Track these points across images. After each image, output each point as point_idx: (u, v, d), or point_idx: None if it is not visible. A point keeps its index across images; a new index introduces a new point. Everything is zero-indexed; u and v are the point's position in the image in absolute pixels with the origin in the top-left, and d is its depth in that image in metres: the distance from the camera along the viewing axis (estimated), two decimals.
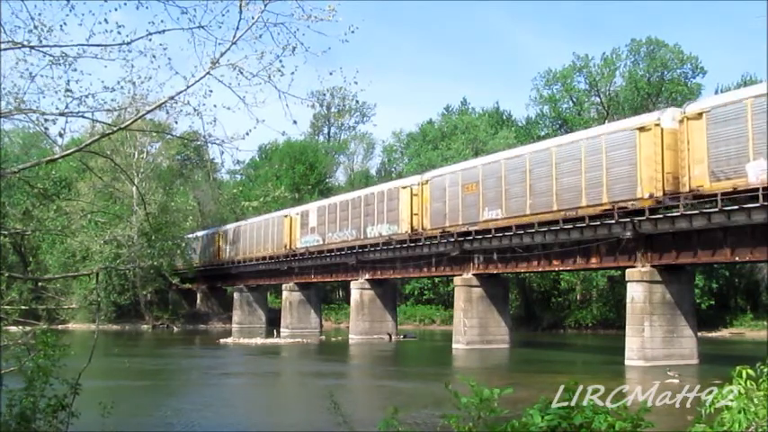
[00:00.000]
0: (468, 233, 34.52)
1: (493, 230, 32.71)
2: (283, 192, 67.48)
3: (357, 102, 49.91)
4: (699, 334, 29.91)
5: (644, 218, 26.37)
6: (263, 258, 52.83)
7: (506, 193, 32.31)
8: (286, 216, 51.17)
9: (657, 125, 26.34)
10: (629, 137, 27.11)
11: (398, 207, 39.15)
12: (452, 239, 35.15)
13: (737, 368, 4.95)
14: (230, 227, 60.29)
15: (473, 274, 35.96)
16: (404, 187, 39.34)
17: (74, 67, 7.33)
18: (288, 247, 49.97)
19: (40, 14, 7.10)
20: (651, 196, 26.20)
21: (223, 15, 7.29)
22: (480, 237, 33.89)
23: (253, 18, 7.39)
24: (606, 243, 28.82)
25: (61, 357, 7.11)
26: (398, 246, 39.29)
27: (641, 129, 26.77)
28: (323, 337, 47.68)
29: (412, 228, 38.24)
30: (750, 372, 4.95)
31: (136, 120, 8.20)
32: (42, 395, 6.87)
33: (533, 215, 30.80)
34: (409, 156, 72.59)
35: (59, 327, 47.19)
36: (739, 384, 4.88)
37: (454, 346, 36.45)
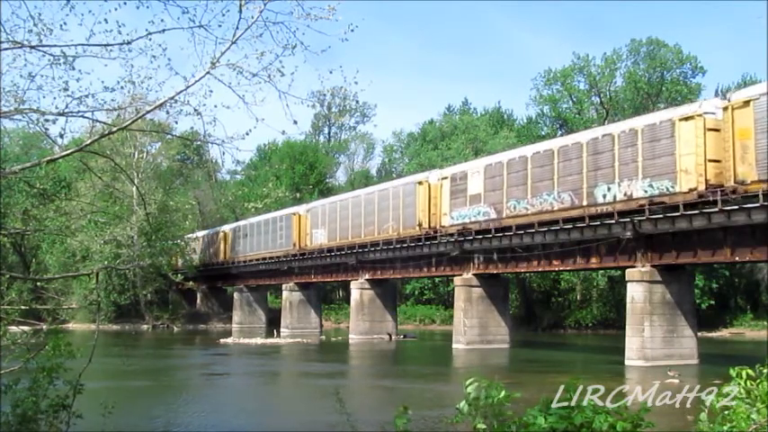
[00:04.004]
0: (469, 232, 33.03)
1: (493, 230, 28.86)
2: (284, 191, 67.40)
3: (357, 102, 49.16)
4: (699, 334, 29.89)
5: (644, 218, 26.36)
6: (379, 244, 40.02)
7: None
8: (421, 183, 37.44)
9: None
10: None
11: (675, 150, 25.02)
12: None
13: (735, 368, 4.95)
14: (320, 204, 47.99)
15: (473, 274, 35.94)
16: (686, 118, 24.94)
17: (73, 66, 7.34)
18: (426, 225, 36.81)
19: (40, 14, 7.10)
20: None
21: (223, 15, 7.31)
22: (480, 237, 33.86)
23: (252, 17, 7.40)
24: (606, 243, 28.81)
25: (67, 359, 7.11)
26: (398, 246, 39.20)
27: None
28: (323, 337, 47.67)
29: (707, 183, 24.18)
30: (749, 372, 4.94)
31: (136, 120, 8.21)
32: (45, 395, 6.87)
33: None
34: (409, 156, 72.64)
35: (59, 326, 47.17)
36: (738, 385, 4.88)
37: (454, 345, 36.45)
